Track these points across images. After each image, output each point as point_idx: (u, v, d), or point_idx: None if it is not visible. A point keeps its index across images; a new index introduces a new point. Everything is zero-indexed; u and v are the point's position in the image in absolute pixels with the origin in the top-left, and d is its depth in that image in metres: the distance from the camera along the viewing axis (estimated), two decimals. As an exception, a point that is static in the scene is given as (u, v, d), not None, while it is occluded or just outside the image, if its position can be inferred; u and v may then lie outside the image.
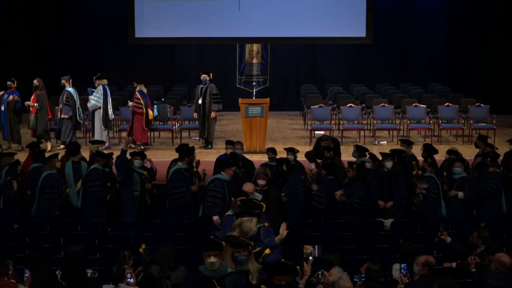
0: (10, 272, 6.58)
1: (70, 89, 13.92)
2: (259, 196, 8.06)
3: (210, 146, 13.94)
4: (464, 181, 9.95)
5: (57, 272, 6.68)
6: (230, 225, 7.00)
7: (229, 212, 7.52)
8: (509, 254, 7.35)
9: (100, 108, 13.89)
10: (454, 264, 7.85)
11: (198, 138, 14.63)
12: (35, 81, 13.91)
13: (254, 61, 17.77)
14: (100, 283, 6.47)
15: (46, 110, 13.85)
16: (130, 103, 14.16)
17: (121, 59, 19.34)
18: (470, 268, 7.51)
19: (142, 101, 13.88)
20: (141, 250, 7.63)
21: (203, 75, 14.02)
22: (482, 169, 10.37)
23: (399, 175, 9.86)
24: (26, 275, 6.63)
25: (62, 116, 13.81)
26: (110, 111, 14.00)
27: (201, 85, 14.04)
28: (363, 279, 6.38)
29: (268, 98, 14.08)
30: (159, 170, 10.66)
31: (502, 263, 6.89)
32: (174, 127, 15.04)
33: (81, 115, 14.10)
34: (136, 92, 13.98)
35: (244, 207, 7.04)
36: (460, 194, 9.88)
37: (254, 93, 14.68)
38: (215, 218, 8.91)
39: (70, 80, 14.01)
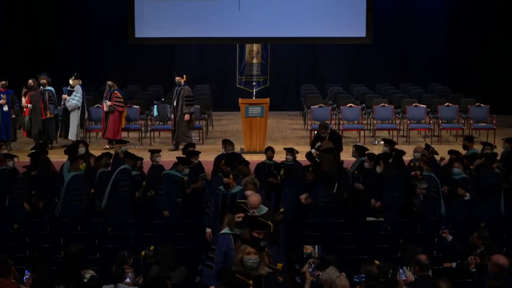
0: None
1: (50, 88, 14.01)
2: (264, 209, 7.26)
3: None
4: (465, 181, 9.89)
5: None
6: (225, 245, 6.64)
7: (226, 230, 6.91)
8: (509, 254, 7.36)
9: (78, 108, 14.06)
10: (454, 264, 7.85)
11: (198, 138, 14.62)
12: (30, 81, 13.89)
13: (254, 61, 17.75)
14: (100, 283, 6.47)
15: (40, 111, 13.82)
16: (109, 103, 14.12)
17: (121, 59, 19.33)
18: (470, 268, 7.51)
19: (122, 98, 14.21)
20: (143, 253, 7.59)
21: (177, 78, 14.03)
22: (482, 168, 10.35)
23: (392, 177, 9.80)
24: (26, 276, 6.62)
25: (48, 115, 13.84)
26: (86, 111, 14.33)
27: (176, 87, 14.06)
28: (363, 279, 6.39)
29: (268, 98, 14.07)
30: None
31: (500, 266, 6.81)
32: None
33: (60, 113, 14.21)
34: (116, 91, 14.17)
35: (244, 226, 6.47)
36: (468, 194, 9.80)
37: (254, 93, 14.67)
38: (208, 231, 8.71)
39: (49, 79, 14.11)
